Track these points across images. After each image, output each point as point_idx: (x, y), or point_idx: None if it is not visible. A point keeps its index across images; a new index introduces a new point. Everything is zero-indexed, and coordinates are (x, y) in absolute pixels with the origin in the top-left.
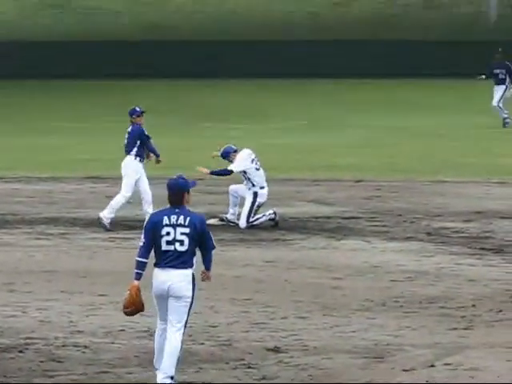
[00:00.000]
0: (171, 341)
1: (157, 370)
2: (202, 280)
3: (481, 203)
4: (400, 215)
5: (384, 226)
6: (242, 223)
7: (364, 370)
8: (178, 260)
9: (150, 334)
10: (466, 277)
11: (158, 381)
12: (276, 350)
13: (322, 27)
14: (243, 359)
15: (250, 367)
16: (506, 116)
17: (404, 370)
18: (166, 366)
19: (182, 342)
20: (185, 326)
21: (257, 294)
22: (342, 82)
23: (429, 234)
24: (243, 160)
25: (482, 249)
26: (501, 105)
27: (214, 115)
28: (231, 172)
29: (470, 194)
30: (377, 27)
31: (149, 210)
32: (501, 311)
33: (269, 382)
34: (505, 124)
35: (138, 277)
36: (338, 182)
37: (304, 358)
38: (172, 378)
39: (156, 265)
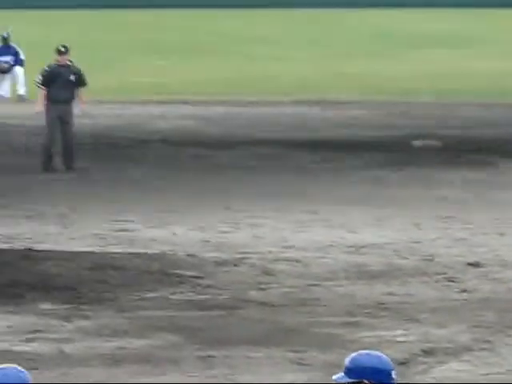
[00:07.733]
0: None
1: None
2: None
3: None
4: None
5: None
6: None
7: None
8: None
9: (357, 249)
10: None
11: None
12: (476, 264)
13: None
14: (445, 273)
15: (451, 281)
16: None
17: None
18: None
19: None
20: None
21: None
22: None
23: None
24: None
25: None
26: None
27: None
28: None
29: None
30: None
31: None
32: None
33: (469, 295)
34: None
35: None
36: None
37: (503, 272)
38: None
39: None
